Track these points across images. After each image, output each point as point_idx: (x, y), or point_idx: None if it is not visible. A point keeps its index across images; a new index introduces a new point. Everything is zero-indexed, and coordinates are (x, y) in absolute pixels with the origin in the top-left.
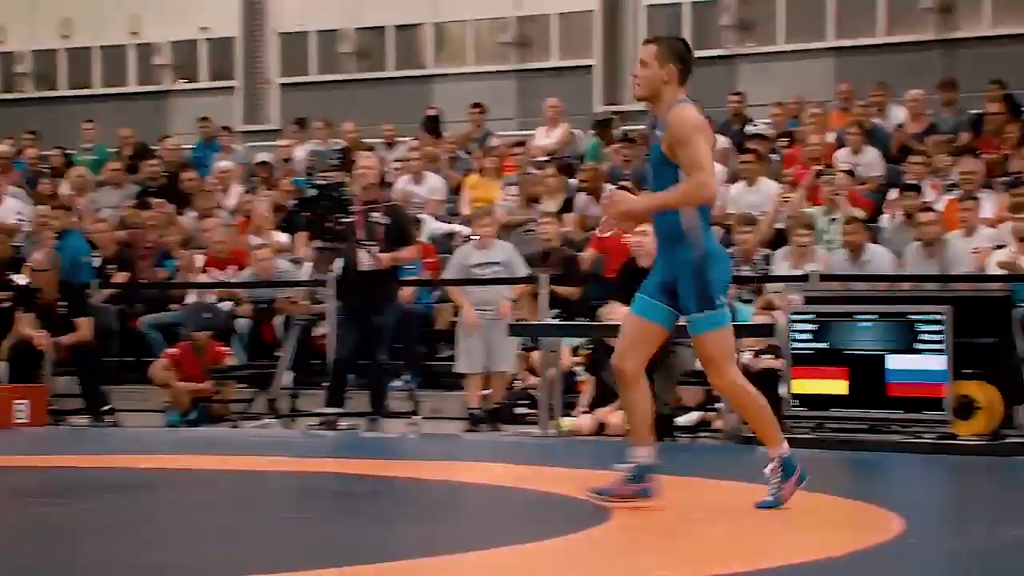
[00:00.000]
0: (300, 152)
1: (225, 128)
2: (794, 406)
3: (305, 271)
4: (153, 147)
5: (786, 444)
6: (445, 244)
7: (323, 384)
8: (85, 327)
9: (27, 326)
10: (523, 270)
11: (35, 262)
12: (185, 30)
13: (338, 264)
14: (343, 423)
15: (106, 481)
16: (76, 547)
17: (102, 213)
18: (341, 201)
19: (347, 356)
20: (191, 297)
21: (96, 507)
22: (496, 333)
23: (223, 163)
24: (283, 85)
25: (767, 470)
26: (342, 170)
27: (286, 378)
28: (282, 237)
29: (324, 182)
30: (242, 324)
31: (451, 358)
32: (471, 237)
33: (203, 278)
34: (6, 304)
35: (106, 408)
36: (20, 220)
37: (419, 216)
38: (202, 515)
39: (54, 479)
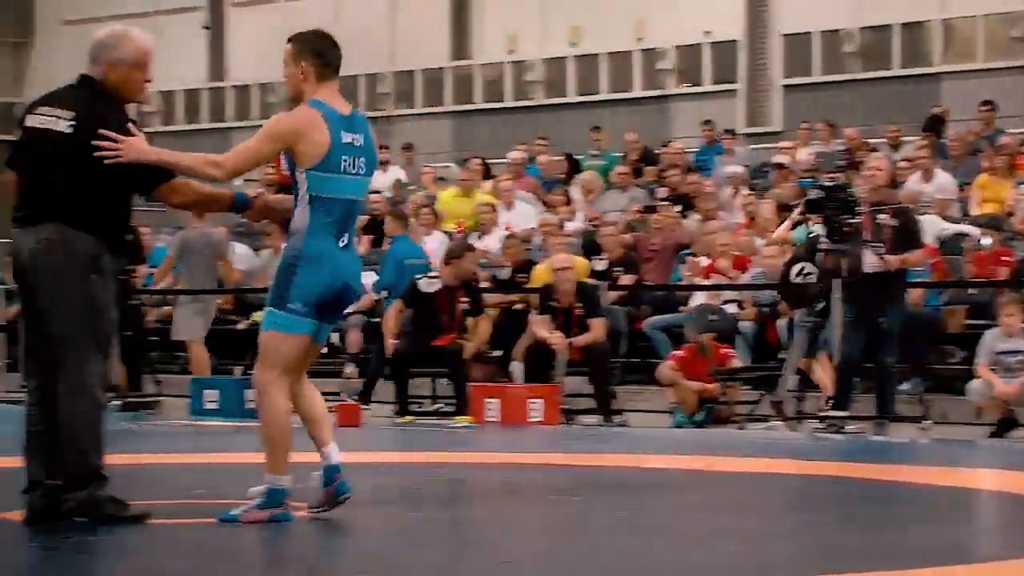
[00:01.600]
0: (803, 154)
1: (728, 131)
2: None
3: None
4: (657, 151)
5: (287, 480)
6: (953, 245)
7: None
8: (599, 328)
9: (542, 328)
10: None
11: (558, 262)
12: (689, 34)
13: (844, 266)
14: (850, 426)
15: (617, 480)
16: (591, 543)
17: (608, 216)
18: (848, 202)
19: (853, 358)
20: (697, 299)
21: (608, 505)
22: None
23: (731, 168)
24: (785, 87)
25: (253, 489)
26: (848, 171)
27: (791, 380)
28: None
29: (830, 183)
30: (746, 326)
31: (961, 362)
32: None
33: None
34: (519, 306)
35: (615, 408)
36: (530, 228)
37: (927, 214)
38: (710, 516)
39: (567, 476)
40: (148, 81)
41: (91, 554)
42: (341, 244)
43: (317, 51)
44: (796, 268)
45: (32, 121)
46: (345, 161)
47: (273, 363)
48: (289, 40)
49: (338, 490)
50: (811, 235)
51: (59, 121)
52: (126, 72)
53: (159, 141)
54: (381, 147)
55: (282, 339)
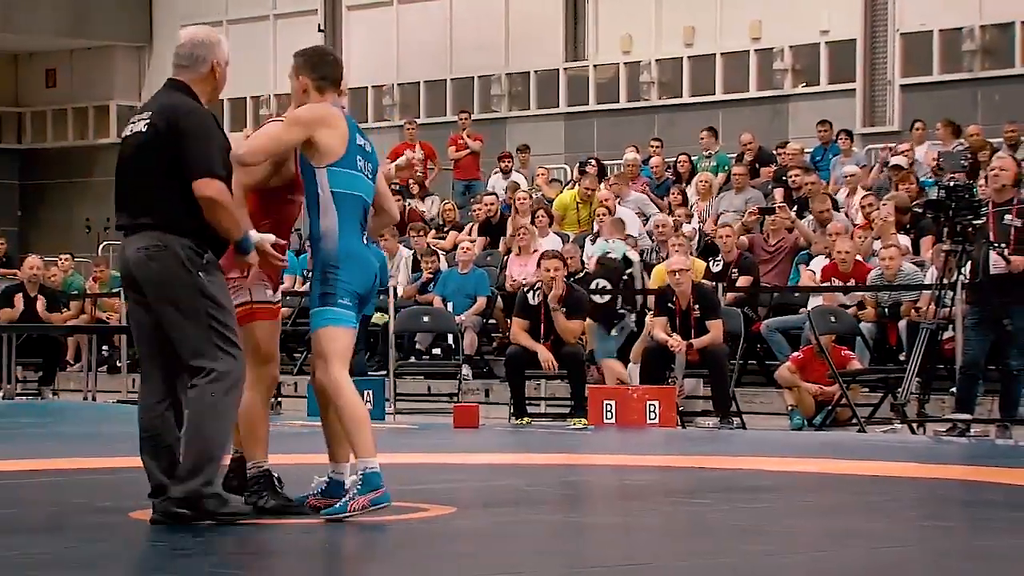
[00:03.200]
0: (920, 154)
1: (844, 131)
2: None
3: (930, 274)
4: (773, 152)
5: (377, 461)
6: None
7: (951, 390)
8: (717, 330)
9: (660, 329)
10: None
11: (675, 264)
12: (806, 34)
13: (966, 267)
14: (973, 430)
15: (736, 482)
16: (711, 546)
17: (724, 218)
18: (971, 203)
19: (976, 361)
20: (814, 301)
21: (728, 508)
22: None
23: (847, 167)
24: (903, 86)
25: (349, 480)
26: (971, 171)
27: (913, 383)
28: (905, 240)
29: (952, 183)
30: (866, 328)
31: None
32: None
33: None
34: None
35: (733, 410)
36: (635, 235)
37: None
38: (833, 519)
39: (685, 479)
40: None
41: (219, 555)
42: (364, 241)
43: (313, 66)
44: (593, 284)
45: (125, 130)
46: (360, 161)
47: (334, 358)
48: (294, 55)
49: (333, 508)
50: (607, 253)
51: (138, 124)
52: (224, 70)
53: None
54: (504, 156)
55: (339, 333)
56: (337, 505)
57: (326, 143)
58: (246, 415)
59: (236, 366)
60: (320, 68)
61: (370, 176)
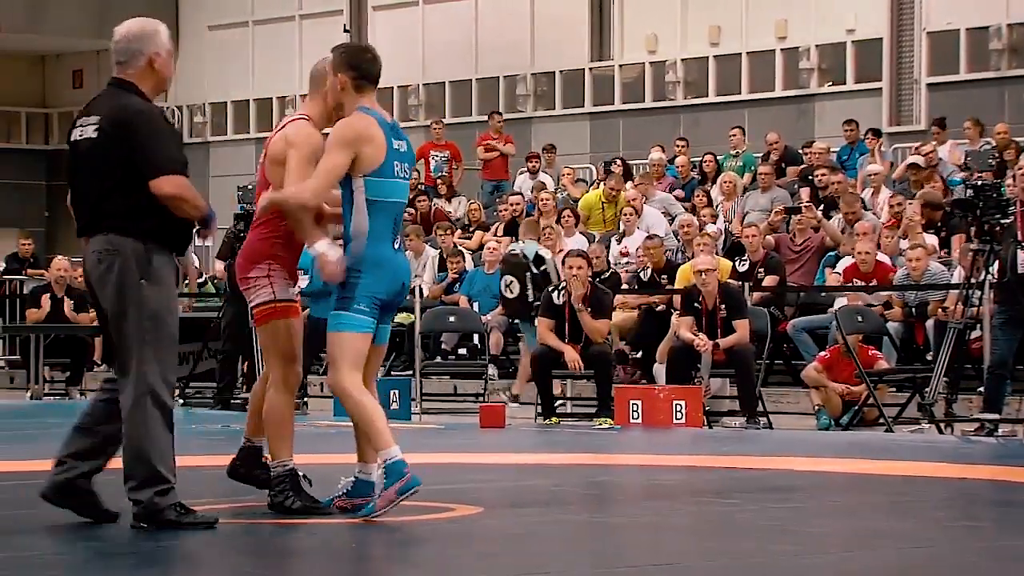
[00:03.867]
0: (946, 153)
1: (872, 131)
2: None
3: (958, 274)
4: (799, 151)
5: (397, 449)
6: None
7: (979, 389)
8: (744, 329)
9: (686, 329)
10: None
11: (701, 263)
12: (831, 33)
13: (994, 266)
14: (1001, 429)
15: (764, 482)
16: (740, 546)
17: (750, 217)
18: (999, 202)
19: (1004, 360)
20: (840, 301)
21: (756, 508)
22: None
23: (871, 167)
24: (930, 85)
25: (373, 477)
26: (998, 170)
27: (940, 383)
28: (933, 239)
29: (980, 182)
30: (893, 327)
31: None
32: None
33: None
34: (660, 308)
35: (759, 410)
36: (661, 234)
37: None
38: (861, 519)
39: (713, 479)
40: None
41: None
42: (395, 247)
43: (352, 64)
44: (504, 280)
45: (73, 134)
46: (397, 166)
47: (346, 362)
48: (332, 50)
49: (366, 509)
50: (512, 251)
51: (87, 128)
52: (164, 60)
53: None
54: (532, 156)
55: (353, 338)
56: (368, 505)
57: (368, 157)
58: (273, 414)
59: (156, 379)
60: (359, 66)
61: (405, 176)
